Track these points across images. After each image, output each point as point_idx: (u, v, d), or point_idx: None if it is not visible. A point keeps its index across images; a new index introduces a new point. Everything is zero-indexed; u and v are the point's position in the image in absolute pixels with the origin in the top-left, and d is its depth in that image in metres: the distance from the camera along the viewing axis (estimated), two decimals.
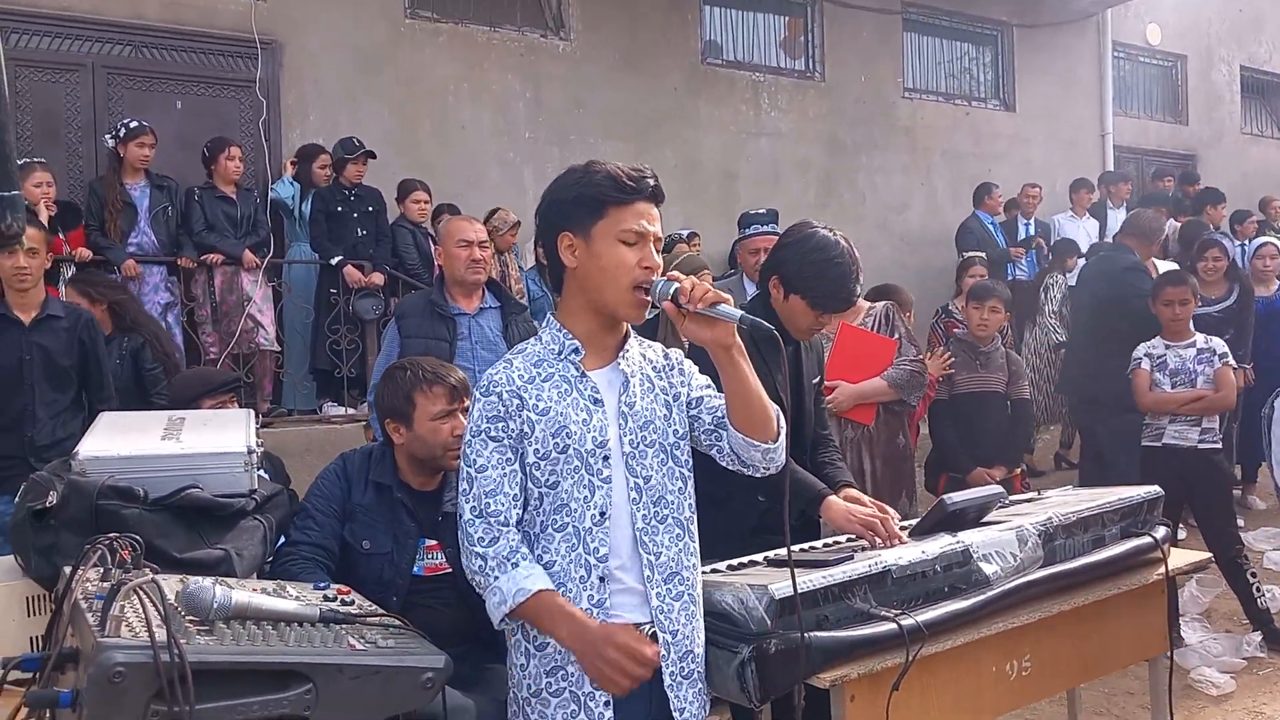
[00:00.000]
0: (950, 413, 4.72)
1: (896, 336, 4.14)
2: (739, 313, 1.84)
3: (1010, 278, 8.43)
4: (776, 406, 1.98)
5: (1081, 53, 11.09)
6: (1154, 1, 11.52)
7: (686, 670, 1.96)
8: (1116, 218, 9.14)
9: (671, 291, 1.85)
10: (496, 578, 1.85)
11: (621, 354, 1.99)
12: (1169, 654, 2.74)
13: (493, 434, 1.90)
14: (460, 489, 1.93)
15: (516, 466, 1.91)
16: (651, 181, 1.93)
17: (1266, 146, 12.96)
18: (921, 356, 4.22)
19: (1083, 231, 8.80)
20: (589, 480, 1.91)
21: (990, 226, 8.95)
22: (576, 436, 1.90)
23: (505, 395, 1.91)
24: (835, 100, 9.63)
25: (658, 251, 1.93)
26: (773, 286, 2.83)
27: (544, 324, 2.03)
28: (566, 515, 1.90)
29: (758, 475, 2.03)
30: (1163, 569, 2.65)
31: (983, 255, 7.17)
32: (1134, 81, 11.84)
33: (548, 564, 1.90)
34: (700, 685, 2.00)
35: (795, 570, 2.15)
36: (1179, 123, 12.16)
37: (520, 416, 1.91)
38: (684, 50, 8.91)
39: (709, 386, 2.06)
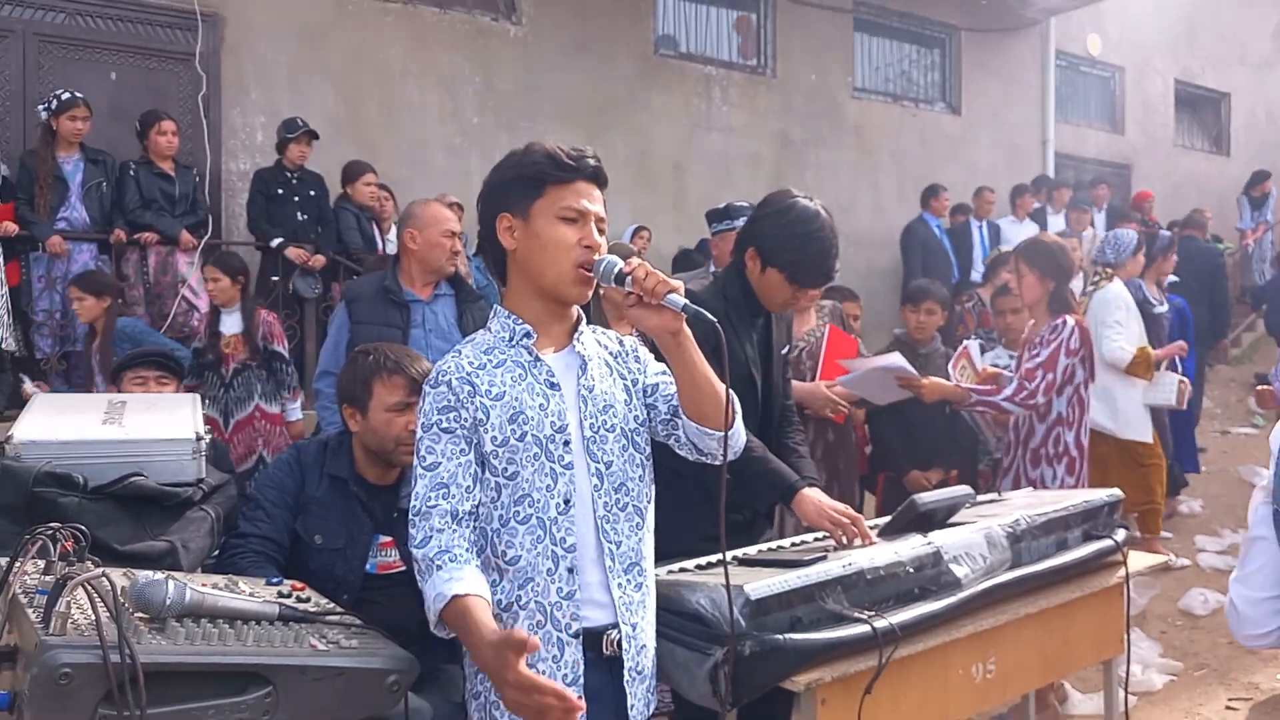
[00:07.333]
0: (890, 413, 4.65)
1: (855, 337, 4.19)
2: (683, 300, 1.77)
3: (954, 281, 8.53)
4: (733, 393, 1.90)
5: (1026, 59, 11.25)
6: (1097, 12, 11.72)
7: (640, 666, 1.91)
8: (1055, 223, 9.33)
9: (615, 271, 1.79)
10: (425, 581, 1.77)
11: (576, 338, 1.93)
12: (1126, 655, 2.76)
13: (444, 425, 1.81)
14: (413, 489, 1.83)
15: (471, 457, 1.82)
16: (592, 161, 1.88)
17: (1196, 159, 13.32)
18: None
19: (1025, 235, 8.93)
20: (550, 468, 1.83)
21: (935, 229, 9.03)
22: (534, 422, 1.83)
23: (455, 383, 1.82)
24: (786, 96, 9.62)
25: (600, 233, 1.88)
26: (749, 258, 2.67)
27: (492, 314, 1.96)
28: (529, 506, 1.82)
29: (717, 464, 1.94)
30: (1122, 571, 2.67)
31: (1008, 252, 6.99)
32: (1075, 90, 12.06)
33: (513, 559, 1.82)
34: (649, 683, 1.95)
35: (769, 569, 2.12)
36: (1116, 132, 12.42)
37: (473, 404, 1.82)
38: (637, 39, 8.83)
39: (664, 373, 1.99)
